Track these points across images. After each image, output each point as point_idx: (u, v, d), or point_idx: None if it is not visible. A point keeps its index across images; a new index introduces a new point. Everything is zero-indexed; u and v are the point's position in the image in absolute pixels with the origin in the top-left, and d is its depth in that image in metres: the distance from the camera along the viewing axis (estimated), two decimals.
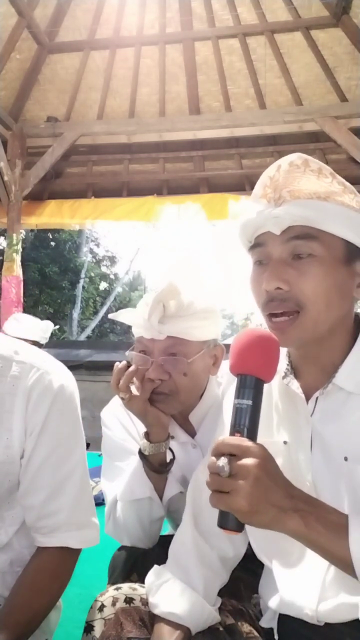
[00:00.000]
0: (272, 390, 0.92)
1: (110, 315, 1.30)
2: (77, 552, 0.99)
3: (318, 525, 0.69)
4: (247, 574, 1.08)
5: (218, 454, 0.70)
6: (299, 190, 0.79)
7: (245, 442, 0.70)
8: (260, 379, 0.74)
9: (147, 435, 1.16)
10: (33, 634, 0.91)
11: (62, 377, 0.99)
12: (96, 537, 1.01)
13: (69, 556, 0.98)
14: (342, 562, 0.69)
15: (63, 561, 0.97)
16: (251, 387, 0.73)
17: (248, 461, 0.68)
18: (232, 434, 0.72)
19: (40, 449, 0.94)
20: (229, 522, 0.71)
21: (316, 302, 0.78)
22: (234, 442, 0.70)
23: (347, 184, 0.81)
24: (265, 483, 0.68)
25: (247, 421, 0.72)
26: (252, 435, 0.72)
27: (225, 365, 1.20)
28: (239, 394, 0.74)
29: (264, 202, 0.82)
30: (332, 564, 0.73)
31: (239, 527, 0.71)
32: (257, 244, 0.83)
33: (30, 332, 3.36)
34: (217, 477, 0.69)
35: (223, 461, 0.68)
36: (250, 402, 0.72)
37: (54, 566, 0.96)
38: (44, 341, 3.46)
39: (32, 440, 0.94)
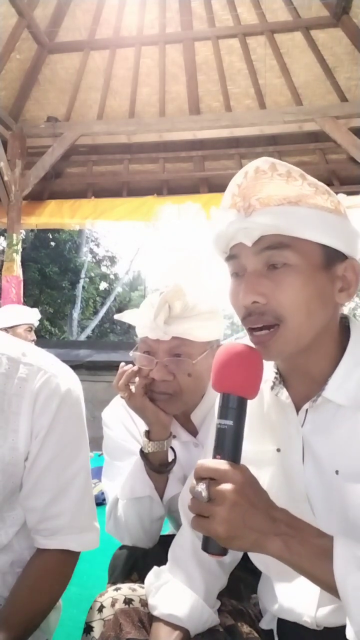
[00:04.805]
0: (264, 398, 0.89)
1: (115, 316, 1.30)
2: (77, 554, 0.99)
3: (301, 548, 0.67)
4: (247, 574, 1.08)
5: (198, 478, 0.69)
6: (269, 196, 0.74)
7: (224, 465, 0.69)
8: (242, 397, 0.72)
9: (147, 434, 1.16)
10: (33, 634, 0.91)
11: (69, 381, 0.98)
12: (96, 541, 1.01)
13: (69, 558, 0.98)
14: (327, 586, 0.67)
15: (63, 563, 0.97)
16: (233, 406, 0.72)
17: (225, 487, 0.67)
18: (214, 456, 0.71)
19: (45, 452, 0.94)
20: (211, 547, 0.70)
21: (296, 313, 0.74)
22: (213, 466, 0.69)
23: (320, 184, 0.75)
24: (243, 508, 0.66)
25: (228, 443, 0.71)
26: (233, 456, 0.71)
27: None
28: (221, 413, 0.72)
29: (234, 212, 0.77)
30: (317, 586, 0.71)
31: (222, 552, 0.70)
32: (232, 256, 0.80)
33: (22, 318, 3.45)
34: (197, 502, 0.68)
35: (201, 487, 0.68)
36: (231, 423, 0.71)
37: (54, 568, 0.96)
38: (36, 323, 3.58)
39: (38, 443, 0.93)
